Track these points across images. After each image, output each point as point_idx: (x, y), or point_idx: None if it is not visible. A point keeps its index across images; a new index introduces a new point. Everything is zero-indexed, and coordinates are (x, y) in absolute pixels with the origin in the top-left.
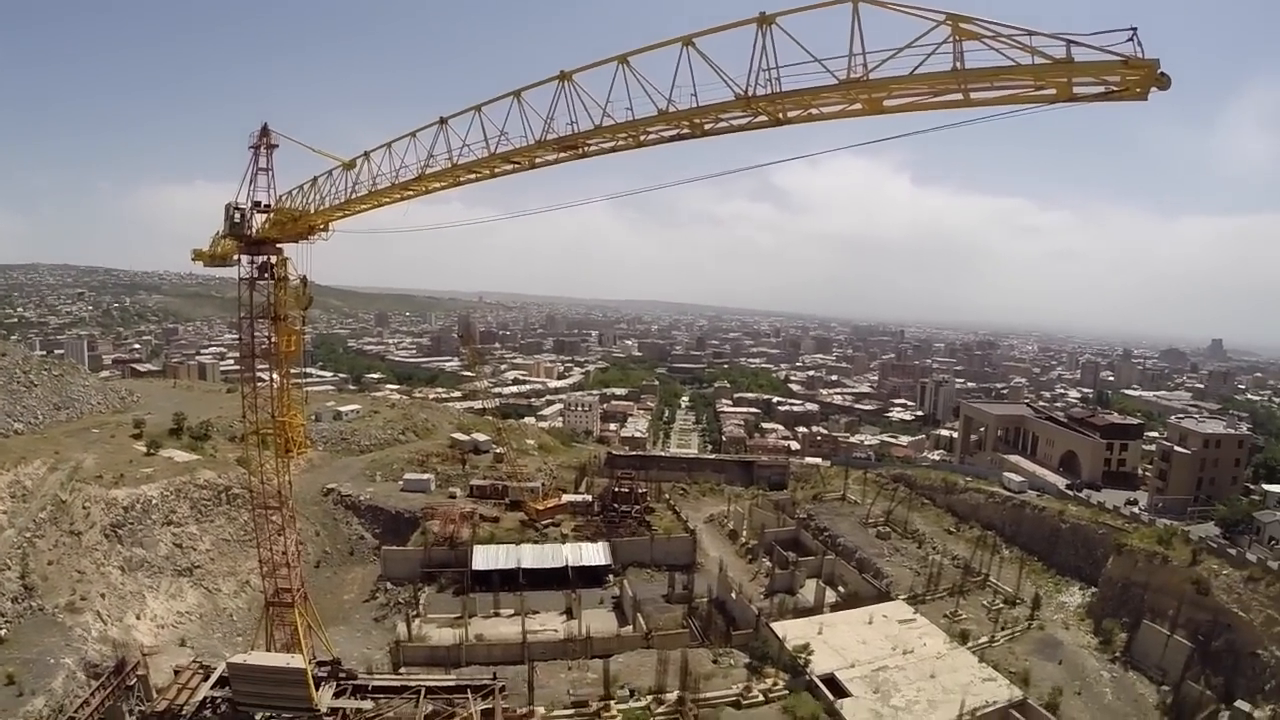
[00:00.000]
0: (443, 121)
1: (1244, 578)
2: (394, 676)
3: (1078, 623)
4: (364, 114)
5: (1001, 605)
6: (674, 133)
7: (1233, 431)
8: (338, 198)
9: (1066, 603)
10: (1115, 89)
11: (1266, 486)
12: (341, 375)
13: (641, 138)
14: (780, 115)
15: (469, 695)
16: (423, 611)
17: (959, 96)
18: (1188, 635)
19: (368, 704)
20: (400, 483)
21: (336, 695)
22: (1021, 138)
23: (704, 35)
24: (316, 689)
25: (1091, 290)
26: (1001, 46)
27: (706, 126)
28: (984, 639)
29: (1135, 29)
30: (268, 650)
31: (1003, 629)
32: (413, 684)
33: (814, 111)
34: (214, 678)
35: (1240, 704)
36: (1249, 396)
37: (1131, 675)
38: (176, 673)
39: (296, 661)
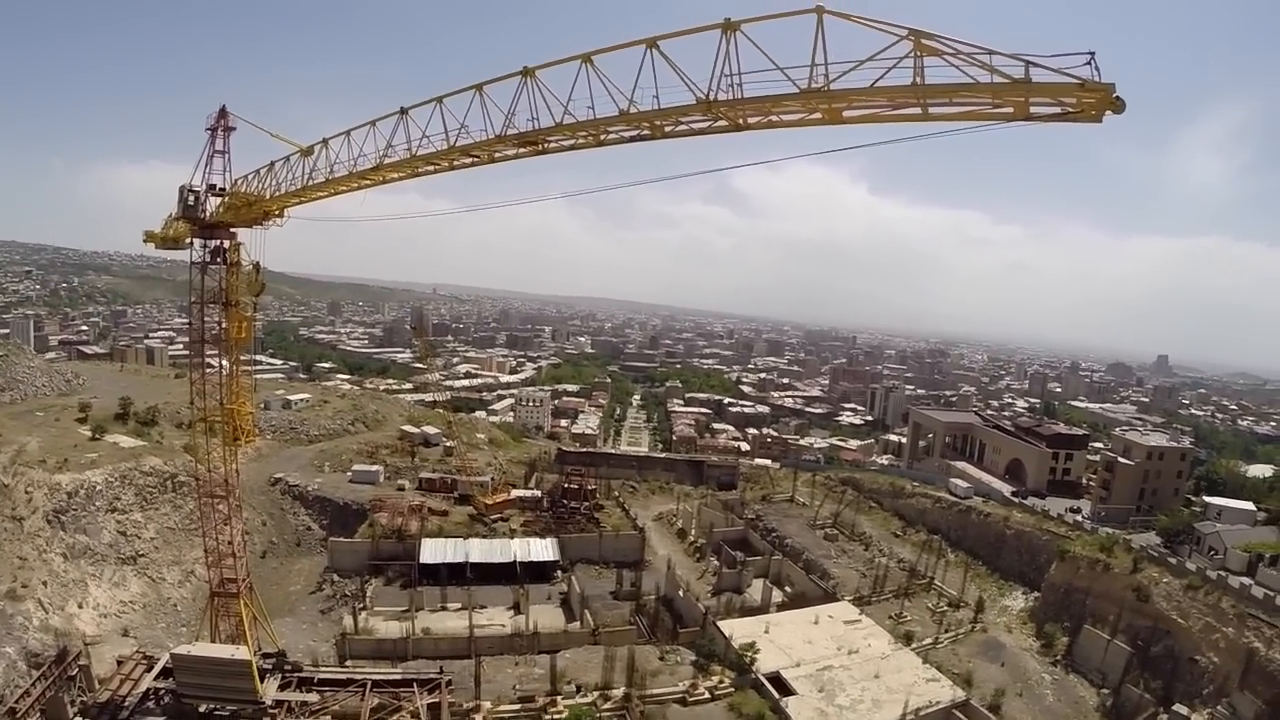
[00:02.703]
0: (403, 112)
1: (1184, 586)
2: (340, 669)
3: (1020, 626)
4: (324, 102)
5: (946, 608)
6: (634, 133)
7: (1175, 445)
8: (294, 184)
9: (1010, 606)
10: (1071, 110)
11: (1207, 499)
12: (292, 364)
13: (602, 137)
14: (740, 121)
15: (415, 689)
16: (369, 604)
17: (918, 111)
18: (1128, 640)
19: (313, 696)
20: (349, 474)
21: (281, 687)
22: (977, 152)
23: (668, 38)
24: (261, 681)
25: (1041, 303)
26: (962, 64)
27: (667, 129)
28: (928, 640)
29: (1093, 53)
30: (212, 641)
31: (947, 631)
32: (359, 677)
33: (774, 118)
34: (157, 668)
35: (1179, 708)
36: (1193, 412)
37: (1072, 678)
38: (119, 663)
39: (241, 653)
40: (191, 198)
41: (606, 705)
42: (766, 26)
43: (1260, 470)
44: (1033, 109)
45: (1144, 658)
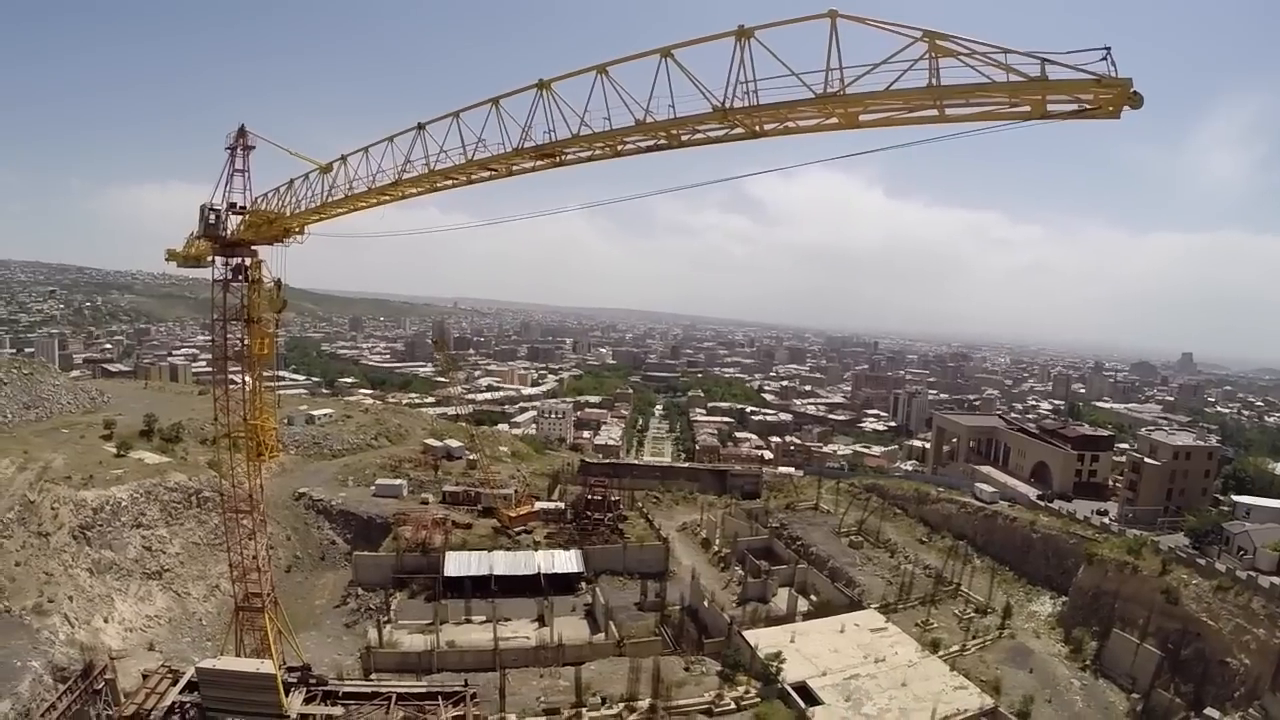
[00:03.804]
0: (420, 127)
1: (1213, 587)
2: (365, 682)
3: (1048, 631)
4: (341, 121)
5: (973, 614)
6: (651, 143)
7: (1202, 443)
8: (313, 201)
9: (1037, 612)
10: (1089, 107)
11: (1235, 498)
12: (314, 379)
13: (619, 147)
14: (757, 128)
15: (440, 702)
16: (394, 617)
17: (934, 112)
18: (1157, 644)
19: (338, 710)
20: (372, 488)
21: (306, 701)
22: (993, 152)
23: (683, 47)
24: (286, 695)
25: (1063, 303)
26: (977, 64)
27: (683, 138)
28: (955, 647)
29: (1109, 49)
30: (237, 655)
31: (974, 638)
32: (383, 690)
33: (790, 125)
34: (183, 682)
35: (1210, 712)
36: (1219, 409)
37: (1102, 683)
38: (145, 677)
39: (266, 667)
40: (212, 216)
41: (632, 717)
42: (780, 32)
43: None
44: (1050, 106)
45: (1174, 661)
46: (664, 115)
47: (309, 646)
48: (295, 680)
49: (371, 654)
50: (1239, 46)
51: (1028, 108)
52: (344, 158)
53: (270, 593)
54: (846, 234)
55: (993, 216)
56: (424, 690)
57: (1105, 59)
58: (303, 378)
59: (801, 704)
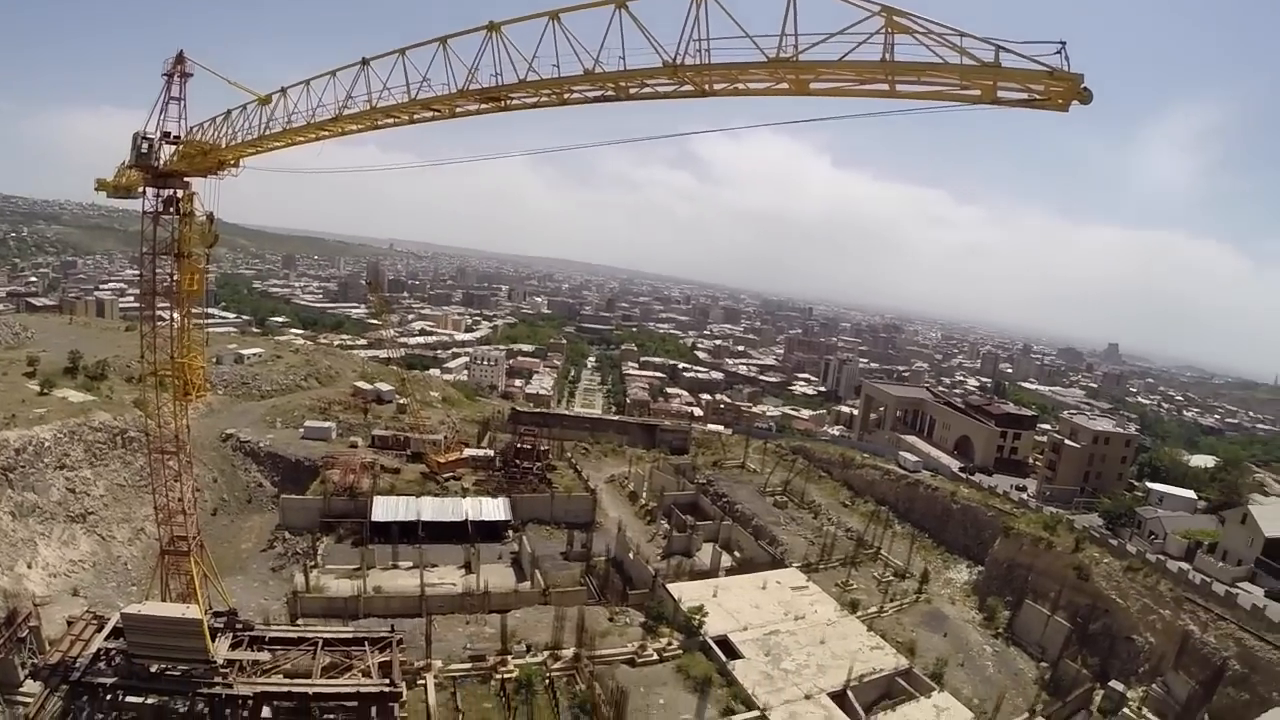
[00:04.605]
0: (365, 63)
1: (1123, 567)
2: (291, 628)
3: (963, 598)
4: (283, 48)
5: (891, 578)
6: (598, 93)
7: (1121, 431)
8: (251, 133)
9: (954, 579)
10: (1038, 98)
11: (1150, 484)
12: (245, 317)
13: (565, 96)
14: (706, 86)
15: (366, 647)
16: (320, 562)
17: (885, 87)
18: (1067, 617)
19: (264, 655)
20: (301, 430)
21: (233, 646)
22: (942, 132)
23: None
24: (213, 640)
25: (997, 285)
26: (932, 43)
27: (631, 90)
28: (873, 609)
29: (1064, 43)
30: (163, 600)
31: (892, 600)
32: (310, 635)
33: (740, 86)
34: (108, 628)
35: (1114, 684)
36: (1140, 400)
37: (1013, 650)
38: (69, 624)
39: (192, 611)
40: (145, 145)
41: (556, 665)
42: None
43: (1202, 460)
44: (1000, 93)
45: (1082, 634)
46: (614, 66)
47: (235, 591)
48: (221, 625)
49: (298, 599)
50: (1196, 58)
51: (978, 92)
52: (284, 90)
53: (196, 536)
54: (791, 200)
55: (937, 194)
56: (350, 635)
57: (1059, 53)
58: (233, 316)
59: (722, 657)
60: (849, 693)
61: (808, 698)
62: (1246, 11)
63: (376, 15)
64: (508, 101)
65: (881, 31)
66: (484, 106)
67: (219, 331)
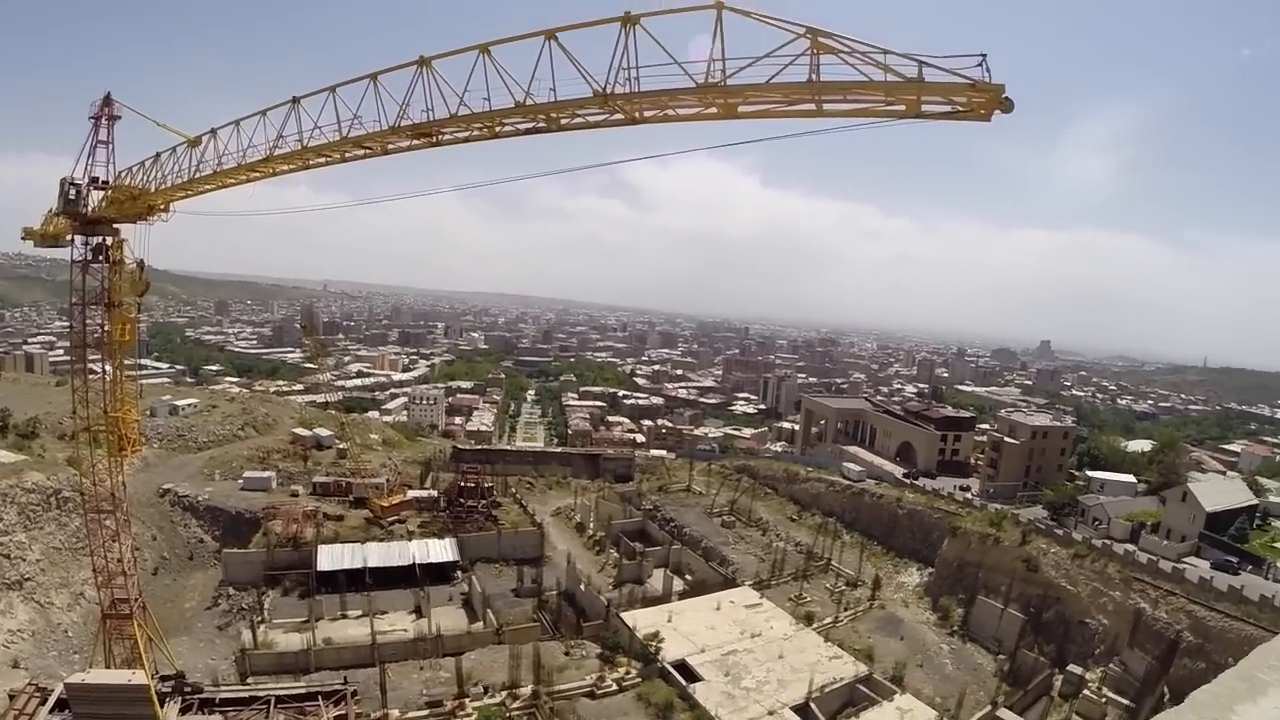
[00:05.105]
0: (295, 101)
1: (1071, 555)
2: (242, 687)
3: (916, 601)
4: (212, 89)
5: (844, 587)
6: (530, 125)
7: (1058, 424)
8: (180, 176)
9: (905, 583)
10: (962, 109)
11: (1090, 473)
12: (178, 367)
13: (497, 129)
14: (637, 114)
15: (320, 702)
16: (268, 617)
17: (812, 106)
18: (1020, 608)
19: (216, 718)
20: (240, 481)
21: (183, 711)
22: (866, 147)
23: (568, 30)
24: (161, 706)
25: (929, 293)
26: (857, 62)
27: (563, 121)
28: (829, 620)
29: (985, 55)
30: (107, 667)
31: (846, 609)
32: (262, 694)
33: (670, 112)
34: (52, 700)
35: (1073, 668)
36: (1074, 392)
37: (970, 646)
38: (11, 697)
39: (138, 678)
40: (73, 191)
41: (515, 704)
42: (666, 21)
43: (1139, 445)
44: (924, 107)
45: (1036, 624)
46: (545, 98)
47: (181, 652)
48: (170, 690)
49: (247, 656)
50: (1109, 63)
51: (903, 107)
52: (214, 131)
53: (138, 598)
54: (722, 221)
55: (866, 209)
56: (303, 691)
57: (981, 65)
58: (166, 366)
59: (682, 681)
60: (811, 704)
61: (771, 714)
62: (1153, 16)
63: (304, 49)
64: (440, 136)
65: (807, 53)
66: (416, 142)
67: (152, 383)
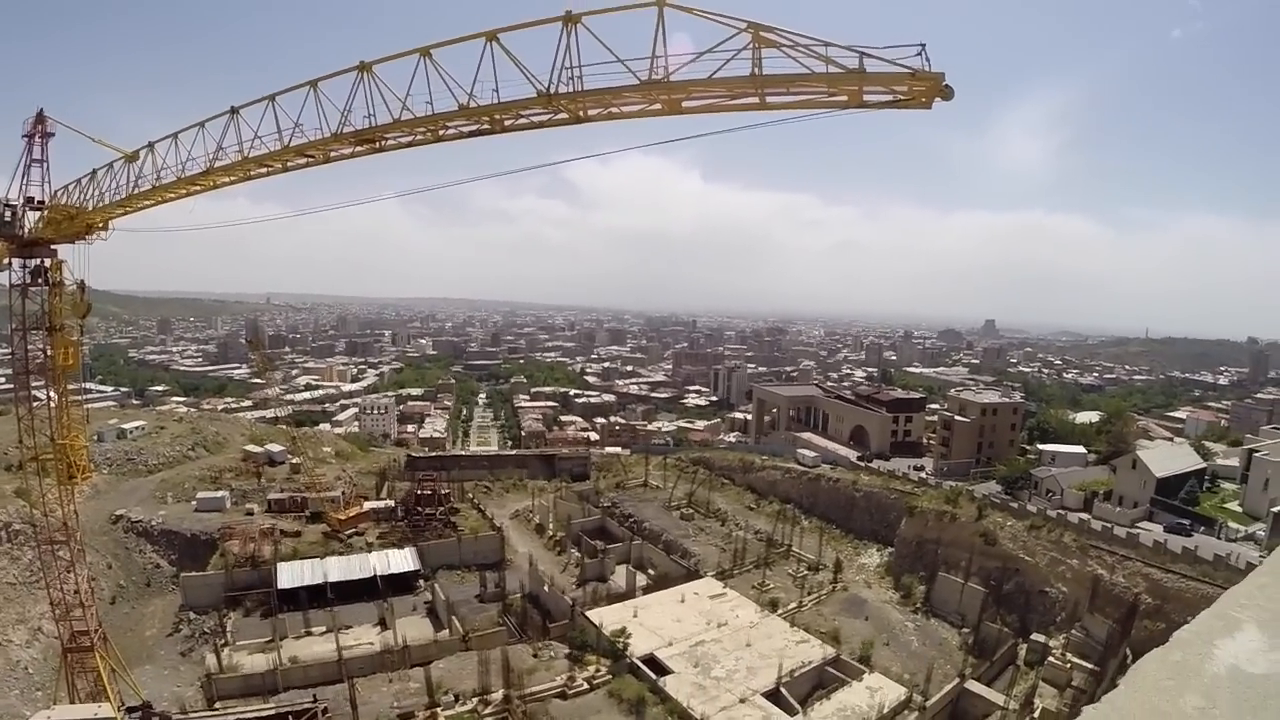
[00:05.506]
0: (234, 111)
1: (1026, 527)
2: (210, 713)
3: (879, 581)
4: (146, 100)
5: (806, 572)
6: (474, 128)
7: (1007, 400)
8: (119, 193)
9: (866, 564)
10: (903, 98)
11: (1041, 446)
12: (123, 389)
13: (441, 132)
14: (581, 113)
15: None
16: (231, 639)
17: (755, 100)
18: (980, 581)
19: None
20: (194, 503)
21: None
22: (806, 137)
23: (509, 31)
24: None
25: (874, 278)
26: (799, 55)
27: (507, 122)
28: (793, 605)
29: (924, 45)
30: (71, 702)
31: (809, 594)
32: (231, 718)
33: (614, 110)
34: None
35: (1036, 636)
36: (1020, 369)
37: (934, 622)
38: None
39: (104, 711)
40: (8, 213)
41: (487, 711)
42: (608, 19)
43: (1087, 417)
44: (866, 97)
45: (998, 596)
46: (488, 100)
47: (146, 682)
48: None
49: (212, 681)
50: (1042, 45)
51: (845, 97)
52: (151, 145)
53: (98, 629)
54: (664, 216)
55: (806, 198)
56: (273, 712)
57: (920, 54)
58: (111, 389)
59: (652, 675)
60: (782, 689)
61: (743, 701)
62: None
63: (243, 57)
64: (382, 142)
65: (749, 47)
66: (359, 149)
67: (98, 406)
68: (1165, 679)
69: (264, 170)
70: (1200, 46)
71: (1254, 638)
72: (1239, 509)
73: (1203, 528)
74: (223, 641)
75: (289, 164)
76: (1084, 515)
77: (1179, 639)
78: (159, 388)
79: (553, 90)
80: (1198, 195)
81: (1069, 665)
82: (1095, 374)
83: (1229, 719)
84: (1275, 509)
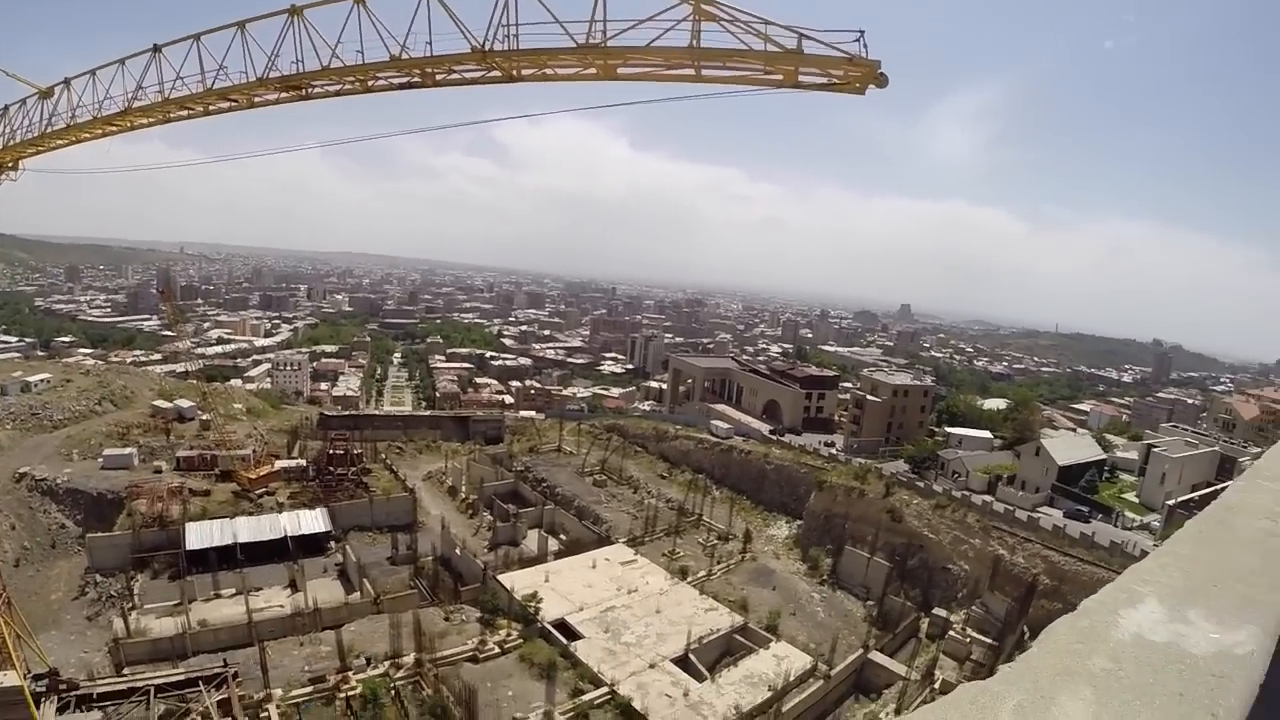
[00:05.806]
0: (156, 49)
1: (932, 506)
2: (118, 679)
3: (787, 552)
4: (65, 37)
5: (716, 541)
6: (404, 80)
7: (918, 383)
8: (31, 131)
9: (775, 535)
10: (838, 82)
11: (949, 429)
12: (29, 340)
13: (370, 83)
14: (515, 72)
15: (201, 688)
16: (138, 602)
17: (691, 72)
18: (886, 556)
19: (95, 714)
20: (100, 460)
21: (60, 710)
22: (734, 112)
23: None
24: (37, 707)
25: (795, 257)
26: (738, 31)
27: (439, 77)
28: (702, 573)
29: (863, 32)
30: None
31: (719, 563)
32: (140, 684)
33: (549, 71)
34: None
35: (938, 611)
36: (933, 354)
37: (839, 594)
38: None
39: (10, 679)
40: None
41: (399, 674)
42: None
43: (994, 403)
44: (802, 78)
45: (902, 570)
46: (421, 52)
47: (52, 648)
48: (44, 689)
49: (120, 646)
50: (976, 43)
51: (781, 77)
52: (68, 81)
53: (2, 593)
54: (591, 182)
55: (732, 173)
56: (182, 677)
57: (859, 41)
58: (15, 339)
59: (563, 640)
60: (691, 655)
61: (652, 666)
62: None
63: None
64: (309, 90)
65: (689, 19)
66: (284, 95)
67: (1, 358)
68: (1075, 643)
69: (184, 113)
70: (1131, 60)
71: (1155, 610)
72: (1136, 500)
73: (1100, 515)
74: (130, 605)
75: (211, 107)
76: (987, 497)
77: (1086, 608)
78: (65, 339)
79: (488, 47)
80: (1114, 199)
81: (969, 640)
82: (1005, 363)
83: (1134, 679)
84: (1170, 501)
